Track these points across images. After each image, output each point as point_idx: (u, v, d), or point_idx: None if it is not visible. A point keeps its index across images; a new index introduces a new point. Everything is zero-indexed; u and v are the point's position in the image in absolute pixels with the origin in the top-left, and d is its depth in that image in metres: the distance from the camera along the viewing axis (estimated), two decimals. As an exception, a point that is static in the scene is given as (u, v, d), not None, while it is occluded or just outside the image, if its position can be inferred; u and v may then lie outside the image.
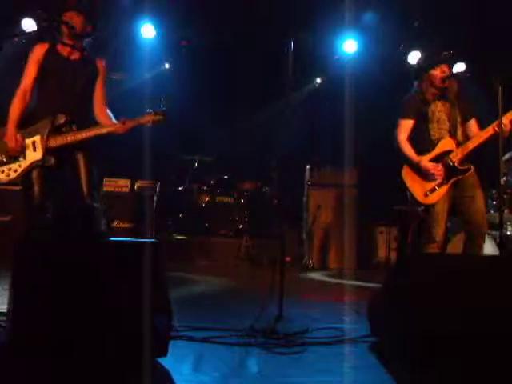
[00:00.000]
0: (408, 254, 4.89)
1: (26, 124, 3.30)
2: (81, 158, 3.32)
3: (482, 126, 3.62)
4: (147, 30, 7.06)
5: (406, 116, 3.72)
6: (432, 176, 3.56)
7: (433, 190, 3.58)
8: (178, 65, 7.90)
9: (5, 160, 3.29)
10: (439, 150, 3.62)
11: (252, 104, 8.29)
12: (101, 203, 3.41)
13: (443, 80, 3.61)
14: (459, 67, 4.37)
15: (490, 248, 4.78)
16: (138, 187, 6.87)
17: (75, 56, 3.40)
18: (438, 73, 3.63)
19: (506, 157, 5.17)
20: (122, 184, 6.74)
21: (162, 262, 2.32)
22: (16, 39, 5.97)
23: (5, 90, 3.46)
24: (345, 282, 5.72)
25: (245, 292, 4.80)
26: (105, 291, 2.12)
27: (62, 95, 3.32)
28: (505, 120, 3.37)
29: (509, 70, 3.58)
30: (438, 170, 3.55)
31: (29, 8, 6.05)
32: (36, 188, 3.25)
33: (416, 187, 3.64)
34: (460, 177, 3.56)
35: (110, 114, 3.47)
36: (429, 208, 3.60)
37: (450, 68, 3.68)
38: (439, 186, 3.57)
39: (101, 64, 3.50)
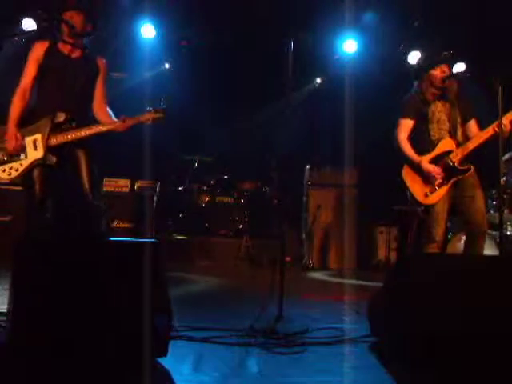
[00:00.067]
0: (408, 254, 4.89)
1: (27, 122, 3.30)
2: (82, 157, 3.33)
3: (481, 126, 3.62)
4: (147, 30, 7.05)
5: (406, 116, 3.72)
6: (432, 177, 3.56)
7: (433, 191, 3.58)
8: (178, 65, 7.90)
9: (6, 159, 3.30)
10: (439, 150, 3.62)
11: (252, 104, 8.29)
12: (101, 203, 3.40)
13: (443, 80, 3.61)
14: (459, 67, 4.37)
15: (490, 248, 4.78)
16: (138, 187, 6.87)
17: (76, 54, 3.41)
18: (437, 73, 3.63)
19: (506, 157, 5.17)
20: (122, 184, 6.74)
21: (162, 262, 2.32)
22: (16, 39, 5.97)
23: (5, 90, 3.47)
24: (345, 281, 5.73)
25: (245, 292, 4.79)
26: (105, 291, 2.12)
27: (62, 93, 3.32)
28: (505, 120, 3.36)
29: (509, 69, 3.58)
30: (438, 172, 3.55)
31: (29, 8, 6.05)
32: (37, 187, 3.25)
33: (416, 187, 3.64)
34: (460, 177, 3.56)
35: (110, 112, 3.48)
36: (429, 208, 3.60)
37: (450, 68, 3.68)
38: (439, 186, 3.57)
39: (101, 62, 3.50)
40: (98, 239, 3.18)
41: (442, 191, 3.57)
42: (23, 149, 3.27)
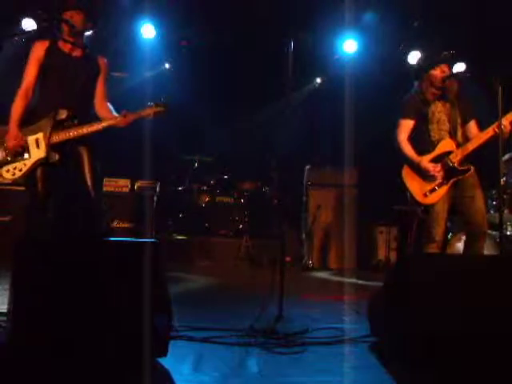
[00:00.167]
0: (408, 254, 4.88)
1: (28, 122, 3.30)
2: (84, 154, 3.33)
3: (481, 126, 3.62)
4: (147, 30, 7.05)
5: (406, 116, 3.72)
6: (432, 177, 3.56)
7: (432, 191, 3.58)
8: (178, 65, 7.89)
9: (9, 159, 3.30)
10: (439, 150, 3.62)
11: (252, 104, 8.29)
12: (102, 203, 3.41)
13: (443, 80, 3.61)
14: (459, 67, 4.37)
15: (490, 248, 4.78)
16: (138, 187, 6.87)
17: (77, 53, 3.41)
18: (438, 73, 3.63)
19: (506, 157, 5.17)
20: (122, 184, 6.74)
21: (162, 262, 2.33)
22: (16, 39, 5.97)
23: (5, 90, 3.47)
24: (345, 281, 5.72)
25: (245, 292, 4.79)
26: (105, 291, 2.12)
27: (63, 92, 3.32)
28: (505, 121, 3.36)
29: (509, 69, 3.58)
30: (437, 170, 3.55)
31: (29, 8, 6.05)
32: (40, 186, 3.25)
33: (416, 187, 3.64)
34: (460, 177, 3.57)
35: (111, 107, 3.48)
36: (428, 208, 3.60)
37: (450, 68, 3.68)
38: (439, 186, 3.57)
39: (102, 62, 3.51)
40: (98, 239, 3.18)
41: (442, 191, 3.58)
42: (23, 148, 3.27)
